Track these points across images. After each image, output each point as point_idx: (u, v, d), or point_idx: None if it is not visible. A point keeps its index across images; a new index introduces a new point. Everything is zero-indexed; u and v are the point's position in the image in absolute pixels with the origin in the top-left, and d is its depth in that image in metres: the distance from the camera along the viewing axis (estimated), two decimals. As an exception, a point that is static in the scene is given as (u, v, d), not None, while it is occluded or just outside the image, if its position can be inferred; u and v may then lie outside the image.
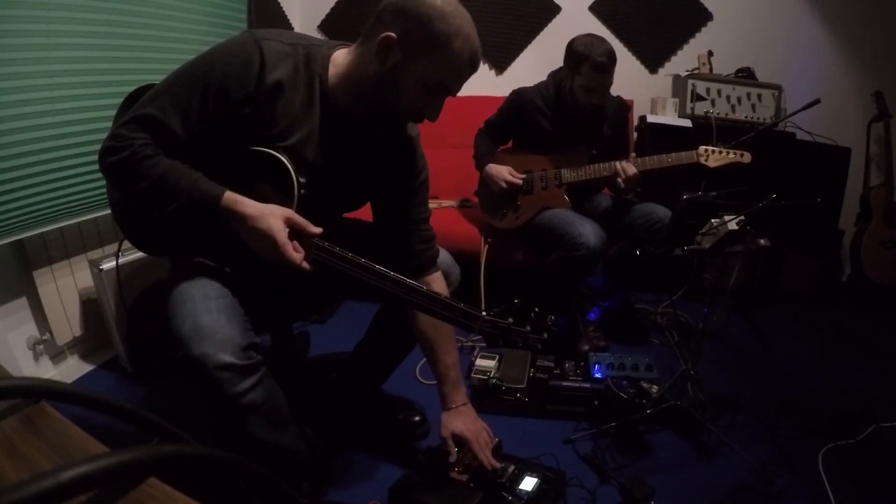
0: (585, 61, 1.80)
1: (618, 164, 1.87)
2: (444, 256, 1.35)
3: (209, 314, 0.99)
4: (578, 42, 1.84)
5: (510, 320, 1.09)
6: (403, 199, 1.23)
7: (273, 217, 0.95)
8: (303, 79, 1.03)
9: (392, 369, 1.50)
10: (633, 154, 1.92)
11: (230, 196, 0.97)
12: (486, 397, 1.69)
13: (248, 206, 0.96)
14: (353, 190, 1.20)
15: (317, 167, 1.07)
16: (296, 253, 0.97)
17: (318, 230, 0.99)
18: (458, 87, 1.03)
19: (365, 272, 1.03)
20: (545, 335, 1.07)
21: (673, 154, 1.85)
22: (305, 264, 0.98)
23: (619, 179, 1.87)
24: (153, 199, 0.98)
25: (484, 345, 2.02)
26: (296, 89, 1.02)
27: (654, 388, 1.59)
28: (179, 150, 0.99)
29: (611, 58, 1.81)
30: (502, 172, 2.03)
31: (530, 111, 2.02)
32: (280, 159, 1.02)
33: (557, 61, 1.99)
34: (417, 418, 1.53)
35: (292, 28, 2.97)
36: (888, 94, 2.57)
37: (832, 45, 2.69)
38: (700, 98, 2.55)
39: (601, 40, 1.83)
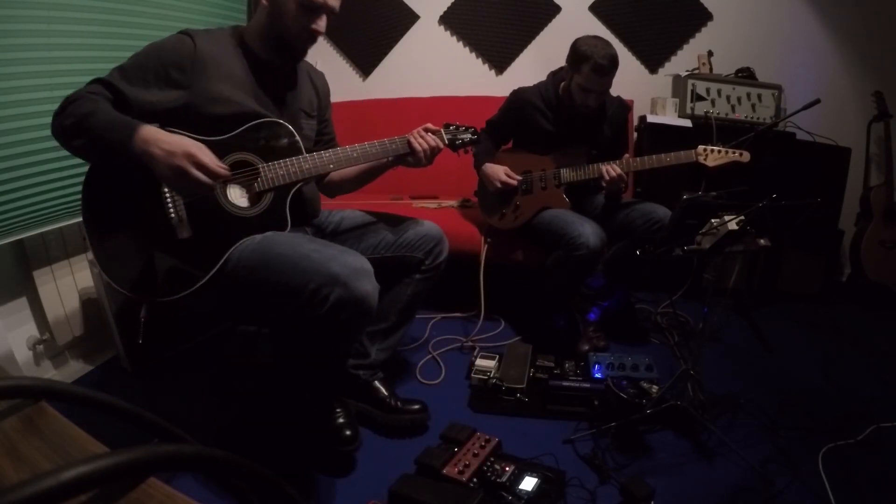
0: (587, 61, 1.80)
1: (603, 165, 1.88)
2: (434, 229, 1.54)
3: (344, 254, 1.16)
4: (583, 42, 1.84)
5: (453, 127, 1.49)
6: (323, 124, 1.54)
7: (188, 140, 1.13)
8: (230, 47, 1.29)
9: (402, 336, 1.61)
10: (627, 155, 1.92)
11: (148, 126, 1.12)
12: (486, 397, 1.69)
13: (166, 133, 1.12)
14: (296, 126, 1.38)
15: (258, 108, 1.29)
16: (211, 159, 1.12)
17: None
18: (328, 2, 1.26)
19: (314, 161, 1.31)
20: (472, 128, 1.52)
21: (672, 153, 1.85)
22: (224, 171, 1.14)
23: (603, 181, 1.88)
24: (79, 132, 1.11)
25: (484, 345, 2.03)
26: (227, 56, 1.27)
27: (654, 388, 1.59)
28: (128, 112, 1.16)
29: (612, 62, 1.81)
30: (498, 172, 2.03)
31: (530, 111, 2.02)
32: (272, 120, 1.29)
33: (557, 61, 1.99)
34: (417, 406, 1.54)
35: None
36: (888, 94, 2.57)
37: (832, 45, 2.69)
38: (700, 98, 2.55)
39: (606, 44, 1.82)
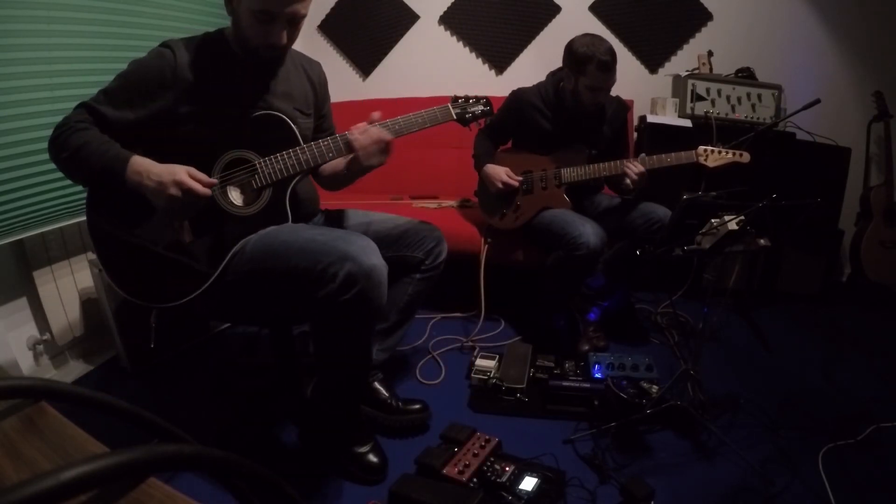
0: (590, 62, 1.80)
1: (626, 162, 1.86)
2: (433, 230, 1.54)
3: (349, 234, 1.19)
4: (579, 43, 1.84)
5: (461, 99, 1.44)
6: (321, 119, 1.53)
7: (174, 167, 1.15)
8: (212, 52, 1.26)
9: (402, 336, 1.61)
10: (644, 154, 1.89)
11: (137, 158, 1.15)
12: (486, 397, 1.69)
13: (154, 163, 1.15)
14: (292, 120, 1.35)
15: (247, 110, 1.28)
16: (197, 183, 1.14)
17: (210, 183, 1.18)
18: (282, 10, 1.16)
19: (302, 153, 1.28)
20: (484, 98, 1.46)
21: (672, 154, 1.85)
22: (207, 191, 1.17)
23: (627, 179, 1.85)
24: (76, 165, 1.16)
25: (484, 345, 2.03)
26: (209, 62, 1.25)
27: (654, 388, 1.59)
28: (114, 132, 1.20)
29: (613, 55, 1.82)
30: (499, 173, 2.02)
31: (530, 111, 2.02)
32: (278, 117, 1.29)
33: (557, 61, 1.99)
34: (418, 406, 1.54)
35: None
36: (888, 94, 2.57)
37: (832, 45, 2.69)
38: (700, 98, 2.55)
39: (600, 39, 1.83)
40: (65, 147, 1.16)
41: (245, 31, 1.21)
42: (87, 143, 1.15)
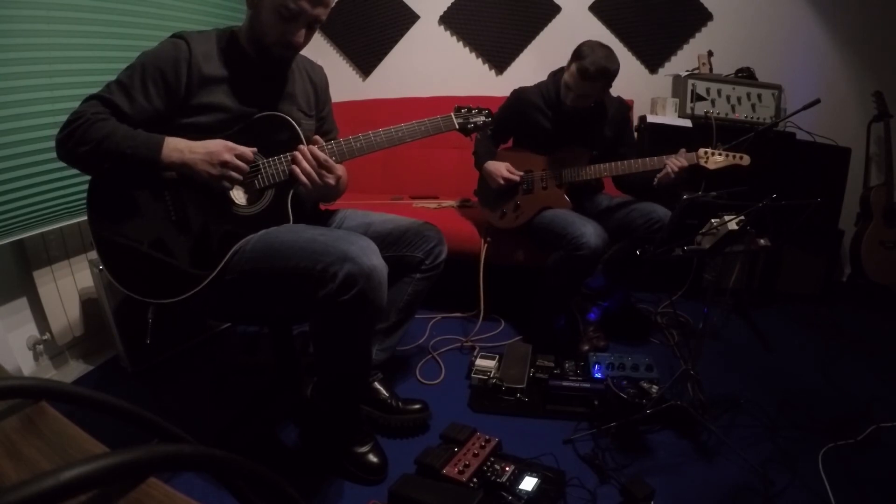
0: (577, 60, 1.81)
1: (670, 157, 1.83)
2: (433, 230, 1.55)
3: (350, 235, 1.19)
4: (586, 43, 1.83)
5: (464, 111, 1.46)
6: (321, 122, 1.52)
7: (214, 141, 1.19)
8: (222, 48, 1.27)
9: (401, 336, 1.61)
10: (684, 150, 1.85)
11: (171, 138, 1.17)
12: (486, 397, 1.69)
13: (189, 140, 1.18)
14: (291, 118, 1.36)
15: (253, 109, 1.28)
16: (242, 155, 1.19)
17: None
18: (308, 11, 1.18)
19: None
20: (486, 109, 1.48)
21: (672, 155, 1.85)
22: (249, 152, 1.20)
23: (670, 170, 1.82)
24: (99, 157, 1.14)
25: (484, 345, 2.02)
26: (221, 58, 1.26)
27: (654, 388, 1.59)
28: (129, 123, 1.18)
29: (601, 72, 1.78)
30: (500, 169, 2.02)
31: (531, 110, 2.02)
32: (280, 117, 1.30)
33: (557, 61, 1.99)
34: (418, 406, 1.54)
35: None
36: (888, 94, 2.57)
37: (832, 45, 2.69)
38: (700, 98, 2.55)
39: (606, 55, 1.80)
40: (84, 140, 1.12)
41: (263, 27, 1.21)
42: (112, 133, 1.13)
